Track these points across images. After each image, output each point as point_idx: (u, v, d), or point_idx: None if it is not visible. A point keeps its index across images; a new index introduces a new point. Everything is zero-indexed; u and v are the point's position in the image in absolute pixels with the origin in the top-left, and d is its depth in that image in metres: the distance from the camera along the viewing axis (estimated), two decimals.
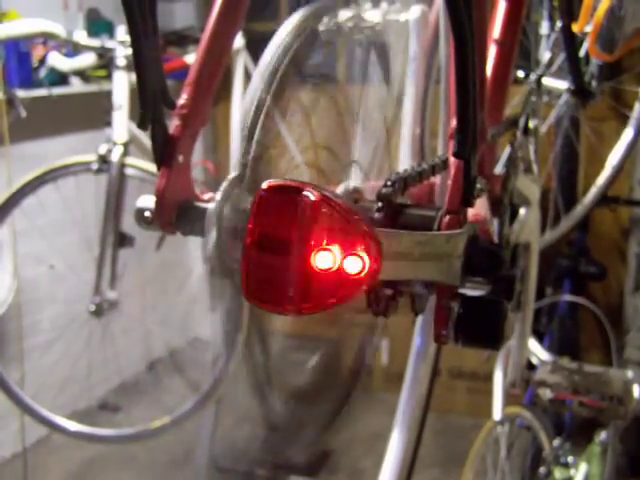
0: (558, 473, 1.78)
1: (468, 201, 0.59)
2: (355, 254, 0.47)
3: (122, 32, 2.00)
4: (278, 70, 0.72)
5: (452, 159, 0.60)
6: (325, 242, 0.45)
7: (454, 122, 0.55)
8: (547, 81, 1.59)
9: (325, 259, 0.45)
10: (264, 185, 0.46)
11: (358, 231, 0.47)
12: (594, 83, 1.52)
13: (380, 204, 0.59)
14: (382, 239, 0.49)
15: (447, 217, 0.59)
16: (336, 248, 0.46)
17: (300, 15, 0.78)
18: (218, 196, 0.71)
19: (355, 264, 0.47)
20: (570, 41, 1.28)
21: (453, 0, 0.48)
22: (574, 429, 2.07)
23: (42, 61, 2.36)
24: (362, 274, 0.47)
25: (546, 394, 1.55)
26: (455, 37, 0.50)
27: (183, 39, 2.39)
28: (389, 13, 1.02)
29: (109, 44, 1.97)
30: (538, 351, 1.70)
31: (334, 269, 0.46)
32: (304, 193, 0.45)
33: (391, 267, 0.51)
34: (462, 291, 0.59)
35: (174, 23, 3.20)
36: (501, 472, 1.76)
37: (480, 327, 0.58)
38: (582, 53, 1.38)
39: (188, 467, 2.39)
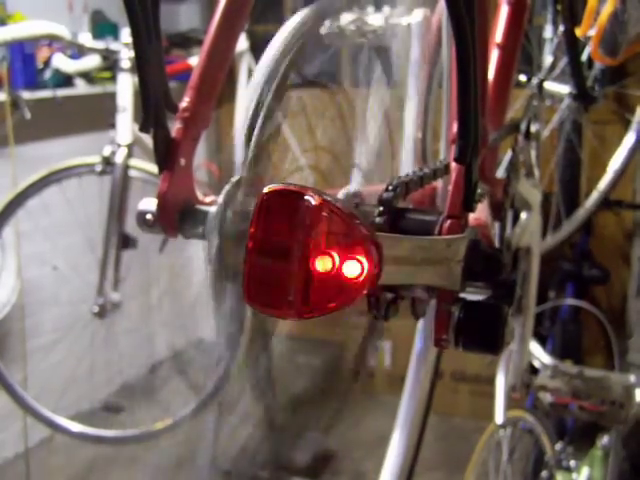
0: (560, 477, 1.78)
1: (469, 206, 0.59)
2: (355, 259, 0.47)
3: (127, 34, 2.01)
4: (278, 72, 0.72)
5: (453, 164, 0.60)
6: (325, 246, 0.46)
7: (455, 127, 0.55)
8: (549, 85, 1.59)
9: (325, 263, 0.46)
10: (265, 189, 0.47)
11: (358, 236, 0.47)
12: (597, 87, 1.52)
13: (381, 208, 0.60)
14: (382, 244, 0.49)
15: (448, 222, 0.59)
16: (336, 252, 0.46)
17: (300, 17, 0.78)
18: (220, 199, 0.71)
19: (355, 268, 0.47)
20: (573, 45, 1.28)
21: (454, 4, 0.49)
22: (576, 433, 2.07)
23: (47, 63, 2.37)
24: (362, 278, 0.47)
25: (546, 398, 1.55)
26: (456, 41, 0.50)
27: (187, 41, 2.39)
28: (391, 16, 1.02)
29: (114, 46, 1.97)
30: (540, 355, 1.70)
31: (334, 273, 0.46)
32: (305, 197, 0.45)
33: (391, 272, 0.51)
34: (463, 295, 0.59)
35: (178, 25, 3.21)
36: (503, 475, 1.76)
37: (480, 331, 0.58)
38: (585, 57, 1.38)
39: (190, 468, 2.39)
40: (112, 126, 1.93)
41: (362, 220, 0.48)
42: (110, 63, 2.00)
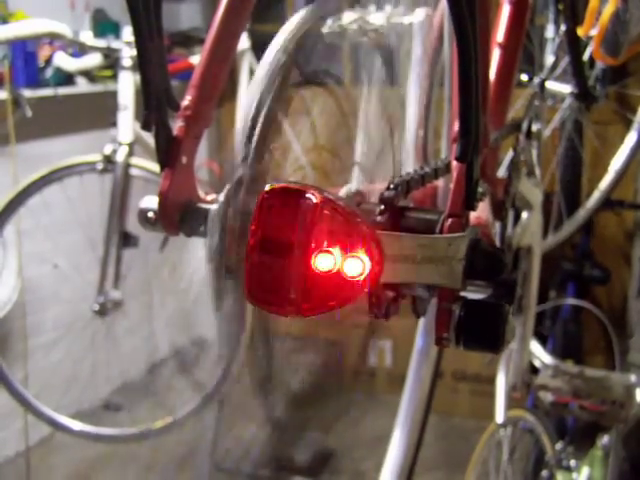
0: (560, 477, 1.78)
1: (470, 205, 0.59)
2: (356, 257, 0.47)
3: (128, 33, 2.01)
4: (279, 71, 0.72)
5: (454, 163, 0.60)
6: (326, 244, 0.46)
7: (457, 126, 0.55)
8: (551, 84, 1.59)
9: (326, 261, 0.46)
10: (267, 187, 0.47)
11: (359, 234, 0.47)
12: (598, 87, 1.52)
13: (382, 207, 0.60)
14: (383, 242, 0.49)
15: (449, 220, 0.59)
16: (337, 250, 0.46)
17: (301, 16, 0.78)
18: (221, 197, 0.71)
19: (356, 267, 0.47)
20: (574, 45, 1.28)
21: (456, 3, 0.49)
22: (577, 433, 2.07)
23: (48, 61, 2.37)
24: (363, 277, 0.47)
25: (547, 397, 1.55)
26: (458, 40, 0.50)
27: (189, 40, 2.39)
28: (393, 16, 1.02)
29: (115, 45, 1.97)
30: (541, 354, 1.70)
31: (335, 271, 0.46)
32: (306, 196, 0.45)
33: (392, 270, 0.51)
34: (463, 294, 0.59)
35: (180, 24, 3.21)
36: (503, 475, 1.76)
37: (480, 330, 0.58)
38: (586, 57, 1.38)
39: (191, 467, 2.39)
40: (113, 124, 1.93)
41: (363, 218, 0.48)
42: (111, 61, 2.00)
